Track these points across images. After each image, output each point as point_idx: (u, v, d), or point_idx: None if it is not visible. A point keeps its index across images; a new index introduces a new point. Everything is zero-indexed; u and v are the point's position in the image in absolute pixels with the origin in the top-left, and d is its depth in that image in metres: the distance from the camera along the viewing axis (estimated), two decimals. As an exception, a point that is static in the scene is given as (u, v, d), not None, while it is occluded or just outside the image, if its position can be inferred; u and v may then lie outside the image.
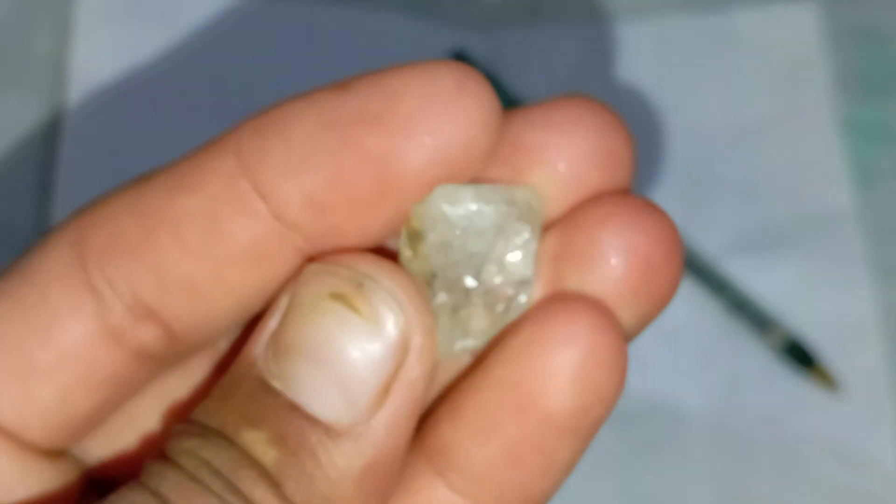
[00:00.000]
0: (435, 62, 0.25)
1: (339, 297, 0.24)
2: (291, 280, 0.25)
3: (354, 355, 0.24)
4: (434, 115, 0.25)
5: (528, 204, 0.26)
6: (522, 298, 0.26)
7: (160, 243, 0.26)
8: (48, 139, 0.55)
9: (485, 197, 0.26)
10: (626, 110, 0.27)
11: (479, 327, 0.26)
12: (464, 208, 0.26)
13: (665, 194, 0.56)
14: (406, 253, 0.26)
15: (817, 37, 0.58)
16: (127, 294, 0.26)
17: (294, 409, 0.24)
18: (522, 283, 0.26)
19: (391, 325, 0.24)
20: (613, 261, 0.26)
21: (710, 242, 0.55)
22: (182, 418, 0.26)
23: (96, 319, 0.26)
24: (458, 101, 0.25)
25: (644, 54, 0.57)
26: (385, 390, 0.25)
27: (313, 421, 0.24)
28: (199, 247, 0.26)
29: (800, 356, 0.53)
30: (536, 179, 0.26)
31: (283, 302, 0.25)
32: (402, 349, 0.25)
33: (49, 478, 0.27)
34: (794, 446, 0.52)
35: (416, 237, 0.26)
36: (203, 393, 0.28)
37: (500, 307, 0.26)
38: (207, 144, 0.26)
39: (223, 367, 0.28)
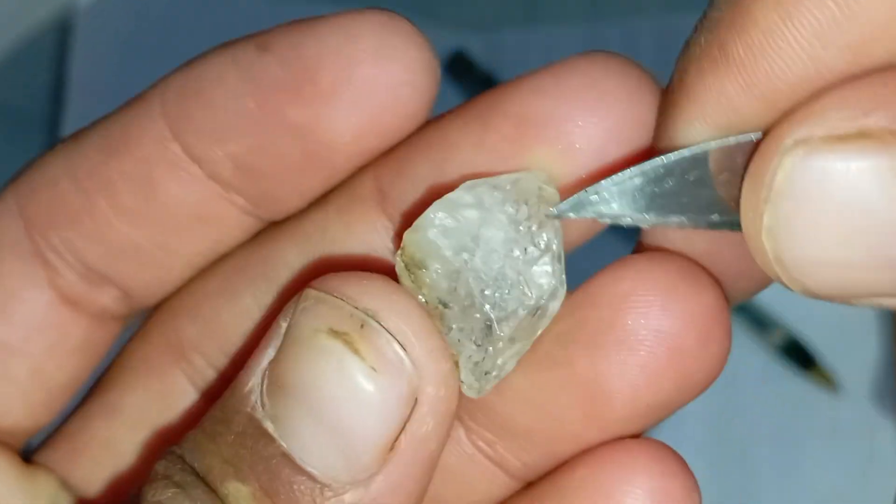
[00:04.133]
0: (357, 16, 0.23)
1: (339, 335, 0.21)
2: (293, 300, 0.22)
3: (354, 405, 0.21)
4: (354, 85, 0.23)
5: (540, 194, 0.22)
6: (553, 307, 0.23)
7: (98, 209, 0.25)
8: (47, 139, 0.55)
9: (486, 203, 0.22)
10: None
11: (508, 354, 0.23)
12: (465, 224, 0.22)
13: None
14: (407, 283, 0.23)
15: (817, 37, 0.58)
16: (75, 261, 0.25)
17: (286, 459, 0.21)
18: (553, 294, 0.23)
19: (397, 372, 0.21)
20: (633, 348, 0.22)
21: (709, 242, 0.55)
22: (164, 447, 0.24)
23: (52, 288, 0.26)
24: (380, 66, 0.23)
25: (644, 54, 0.57)
26: (390, 446, 0.21)
27: (306, 475, 0.21)
28: (137, 211, 0.25)
29: (800, 356, 0.53)
30: (546, 158, 0.23)
31: (282, 326, 0.22)
32: (409, 400, 0.21)
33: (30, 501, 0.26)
34: (794, 446, 0.52)
35: (415, 267, 0.22)
36: (187, 422, 0.26)
37: (528, 327, 0.23)
38: (134, 102, 0.25)
39: (208, 396, 0.26)
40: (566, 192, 0.22)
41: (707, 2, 0.22)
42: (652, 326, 0.22)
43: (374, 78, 0.23)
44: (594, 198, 0.22)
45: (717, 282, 0.23)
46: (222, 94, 0.24)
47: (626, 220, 0.22)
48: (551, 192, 0.22)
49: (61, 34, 0.57)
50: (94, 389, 0.27)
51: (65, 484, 0.27)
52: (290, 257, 0.25)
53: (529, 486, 0.25)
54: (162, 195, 0.25)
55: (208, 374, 0.26)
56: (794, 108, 0.20)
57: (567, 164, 0.22)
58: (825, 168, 0.19)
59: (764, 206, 0.19)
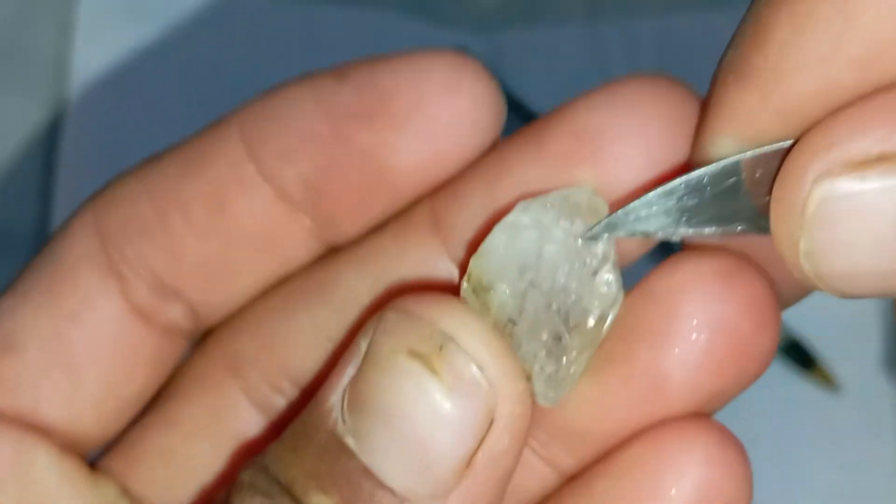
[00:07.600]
0: (431, 55, 0.25)
1: (418, 355, 0.22)
2: (372, 321, 0.23)
3: (432, 424, 0.22)
4: (424, 115, 0.24)
5: (590, 206, 0.24)
6: (614, 312, 0.24)
7: (172, 225, 0.26)
8: (48, 139, 0.55)
9: (543, 221, 0.23)
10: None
11: (578, 363, 0.24)
12: (526, 244, 0.23)
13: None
14: (474, 307, 0.24)
15: (817, 37, 0.58)
16: (147, 274, 0.26)
17: (367, 474, 0.22)
18: (614, 301, 0.24)
19: (475, 392, 0.22)
20: (694, 336, 0.24)
21: (710, 242, 0.55)
22: (231, 458, 0.26)
23: (124, 299, 0.26)
24: (449, 100, 0.24)
25: (644, 54, 0.57)
26: (467, 462, 0.22)
27: (387, 490, 0.22)
28: (208, 228, 0.26)
29: (800, 356, 0.53)
30: (596, 172, 0.24)
31: (361, 346, 0.23)
32: (486, 418, 0.22)
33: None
34: (794, 446, 0.52)
35: (482, 290, 0.23)
36: (242, 435, 0.27)
37: (594, 334, 0.24)
38: (214, 126, 0.26)
39: (263, 410, 0.27)
40: (616, 205, 0.23)
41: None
42: (710, 314, 0.23)
43: (442, 110, 0.24)
44: (626, 217, 0.23)
45: (765, 272, 0.24)
46: (298, 118, 0.25)
47: (659, 235, 0.23)
48: (600, 203, 0.24)
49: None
50: (154, 401, 0.28)
51: (125, 491, 0.28)
52: (348, 280, 0.26)
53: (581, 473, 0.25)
54: (233, 214, 0.26)
55: (263, 389, 0.27)
56: (813, 125, 0.21)
57: (616, 176, 0.24)
58: (851, 194, 0.20)
59: (799, 233, 0.21)
